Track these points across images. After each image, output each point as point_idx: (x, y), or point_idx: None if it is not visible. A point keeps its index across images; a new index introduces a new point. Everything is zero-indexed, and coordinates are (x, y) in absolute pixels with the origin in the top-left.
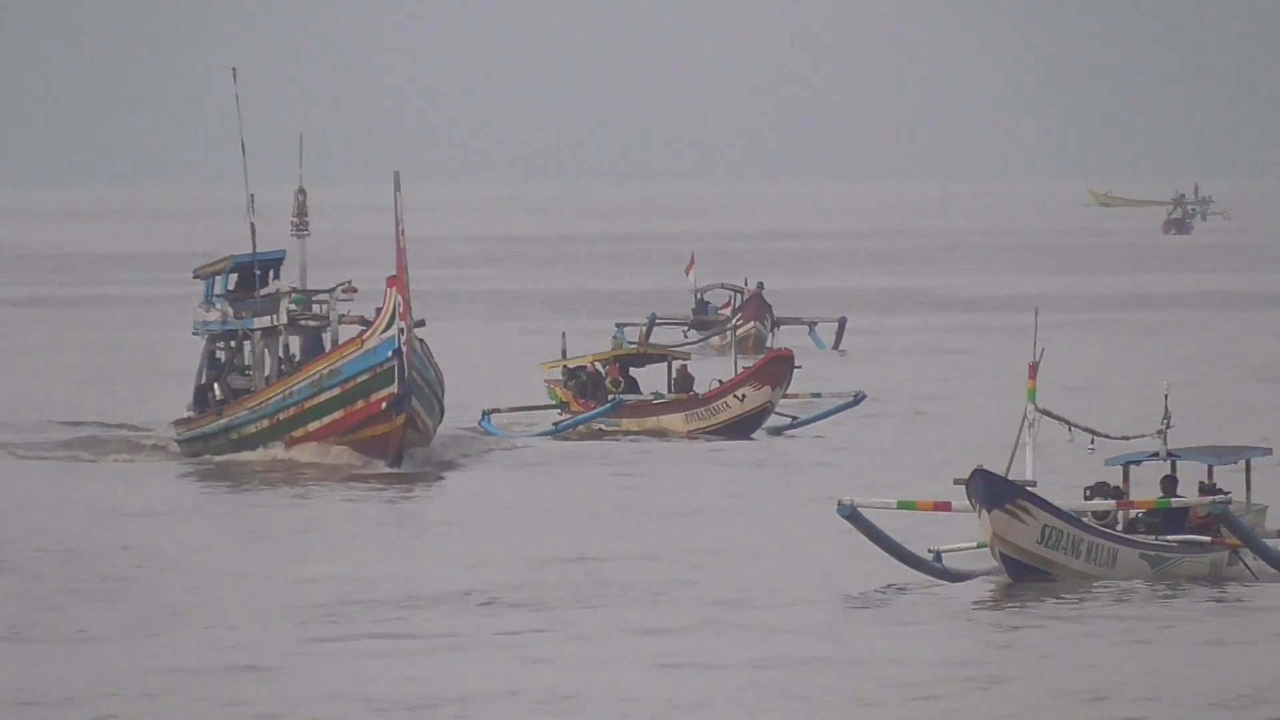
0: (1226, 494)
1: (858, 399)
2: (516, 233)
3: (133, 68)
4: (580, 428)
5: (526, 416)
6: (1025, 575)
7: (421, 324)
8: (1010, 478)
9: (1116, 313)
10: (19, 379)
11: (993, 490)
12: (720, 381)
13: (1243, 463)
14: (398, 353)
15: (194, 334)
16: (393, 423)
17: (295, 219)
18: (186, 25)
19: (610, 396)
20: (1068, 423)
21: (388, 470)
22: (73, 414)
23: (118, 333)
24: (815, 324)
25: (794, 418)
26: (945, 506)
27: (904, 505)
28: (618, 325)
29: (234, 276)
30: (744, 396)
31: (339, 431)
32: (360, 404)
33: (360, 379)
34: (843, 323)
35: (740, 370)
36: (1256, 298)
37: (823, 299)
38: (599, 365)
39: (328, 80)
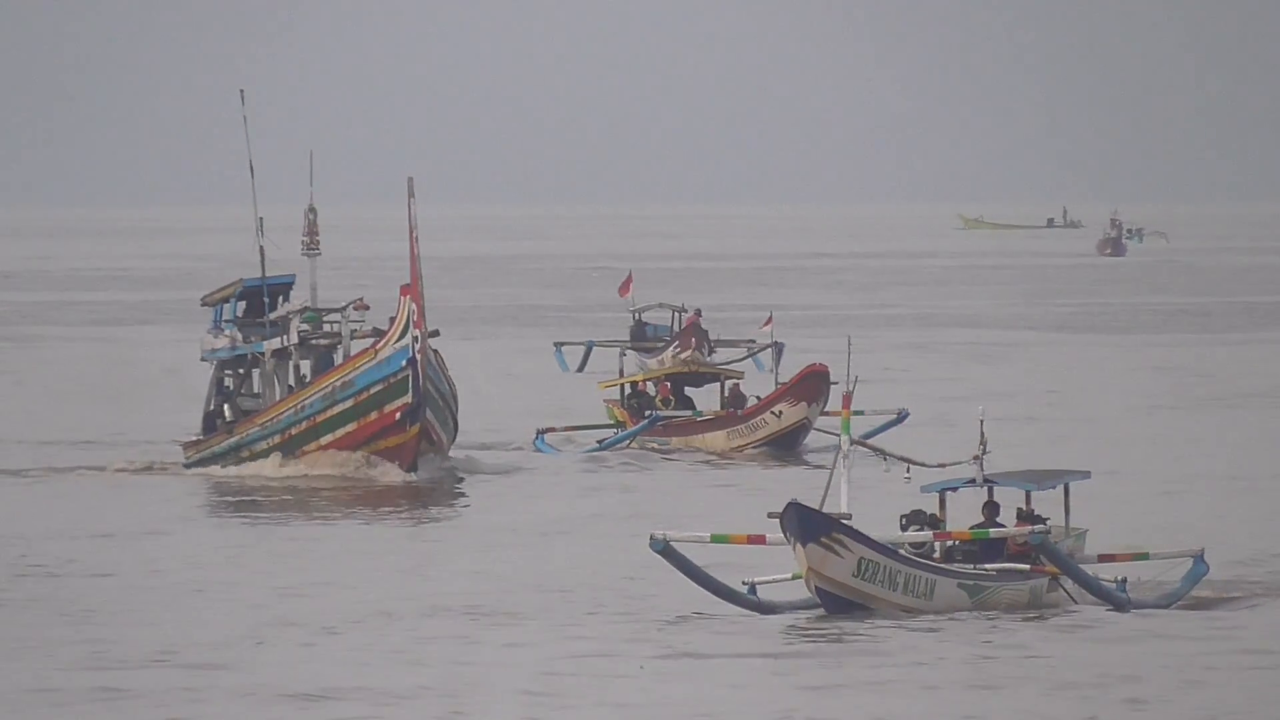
0: (1045, 521)
1: (901, 416)
2: (467, 253)
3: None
4: (632, 445)
5: (580, 435)
6: (842, 609)
7: (436, 334)
8: (825, 510)
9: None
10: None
11: (807, 524)
12: (759, 398)
13: (1061, 487)
14: (412, 362)
15: (202, 360)
16: (407, 433)
17: (305, 238)
18: (189, 45)
19: (647, 413)
20: (883, 452)
21: (403, 480)
22: (79, 434)
23: (125, 352)
24: (768, 345)
25: (845, 438)
26: (760, 540)
27: (718, 539)
28: (556, 344)
29: (242, 303)
30: (781, 413)
31: (352, 445)
32: (374, 415)
33: (374, 390)
34: (780, 349)
35: (778, 386)
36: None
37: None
38: (650, 384)
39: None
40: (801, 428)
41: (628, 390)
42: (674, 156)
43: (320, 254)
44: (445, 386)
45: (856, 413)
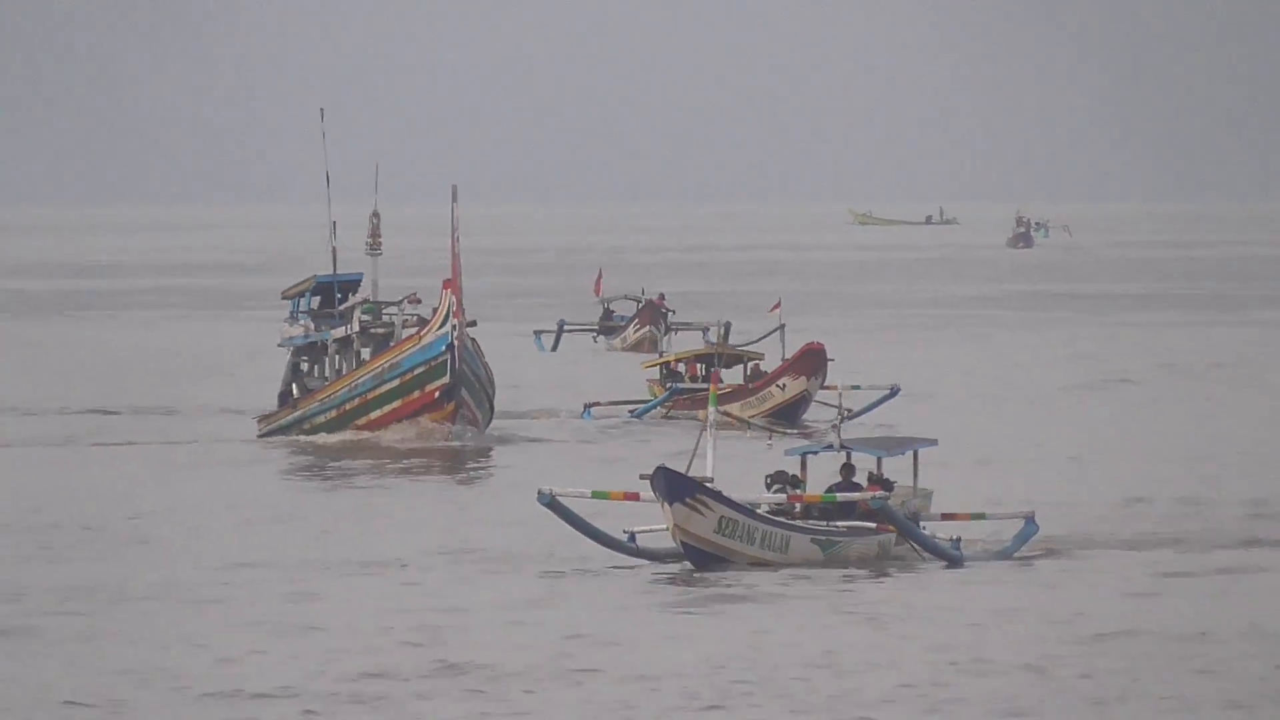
0: (892, 484)
1: (894, 391)
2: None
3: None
4: (667, 413)
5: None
6: (705, 562)
7: (473, 324)
8: (691, 474)
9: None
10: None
11: (673, 486)
12: (765, 373)
13: (910, 453)
14: (450, 347)
15: (279, 346)
16: (444, 410)
17: (369, 239)
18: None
19: (667, 386)
20: (746, 422)
21: (444, 444)
22: (168, 405)
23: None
24: (707, 329)
25: (849, 410)
26: (634, 497)
27: (598, 495)
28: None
29: (316, 297)
30: (784, 385)
31: (397, 418)
32: (416, 394)
33: (417, 371)
34: (726, 326)
35: (780, 363)
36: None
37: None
38: (680, 364)
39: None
40: (803, 399)
41: (665, 369)
42: (673, 155)
43: (382, 253)
44: (481, 370)
45: (854, 387)
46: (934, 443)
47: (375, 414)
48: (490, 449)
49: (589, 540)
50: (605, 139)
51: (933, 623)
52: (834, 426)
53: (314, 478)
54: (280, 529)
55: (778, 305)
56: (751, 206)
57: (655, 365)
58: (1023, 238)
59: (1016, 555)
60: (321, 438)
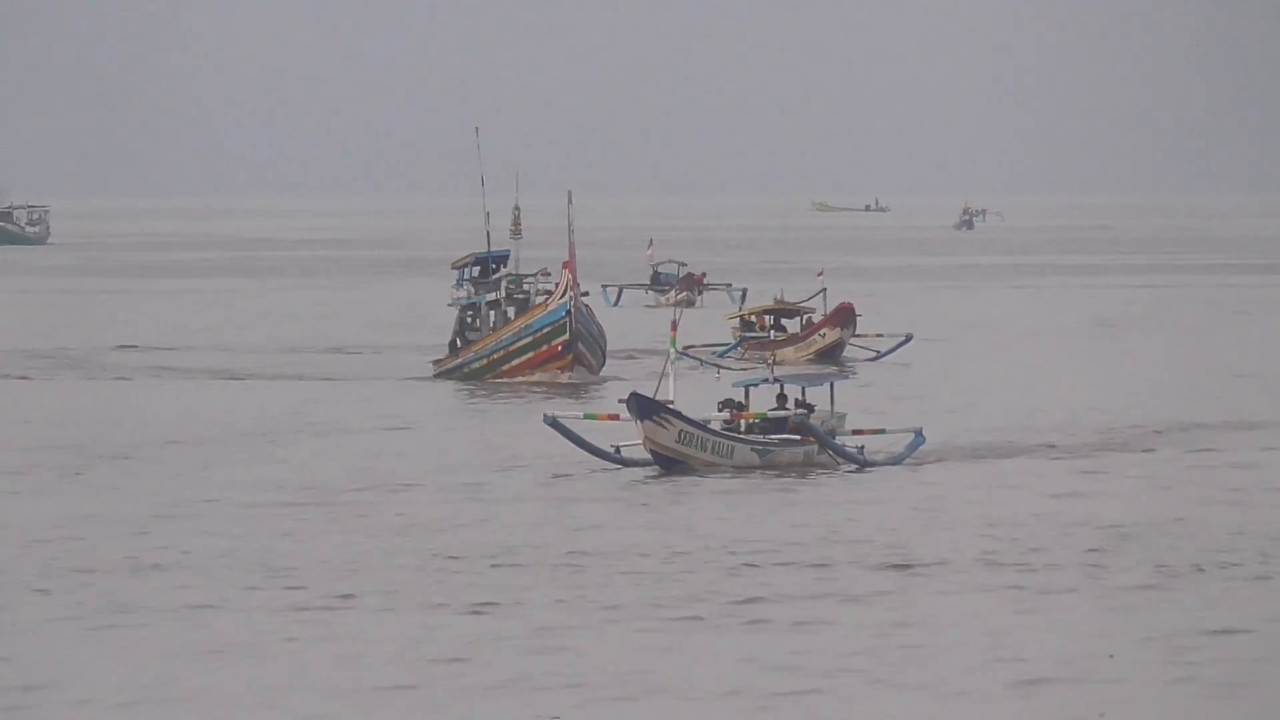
0: (813, 408)
1: (908, 338)
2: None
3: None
4: (744, 355)
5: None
6: (670, 466)
7: (586, 294)
8: (656, 398)
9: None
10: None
11: (643, 407)
12: (811, 323)
13: (828, 385)
14: (569, 313)
15: (449, 305)
16: (564, 359)
17: (512, 227)
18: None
19: (737, 334)
20: (700, 360)
21: (564, 381)
22: (365, 346)
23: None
24: (736, 289)
25: (877, 352)
26: (615, 417)
27: (588, 416)
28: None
29: (477, 268)
30: (824, 334)
31: (531, 366)
32: (544, 347)
33: (544, 330)
34: (744, 292)
35: (820, 318)
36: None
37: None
38: (752, 316)
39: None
40: (838, 345)
41: (743, 320)
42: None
43: (521, 237)
44: (594, 328)
45: (877, 335)
46: (847, 377)
47: (515, 361)
48: (600, 383)
49: (584, 452)
50: (650, 138)
51: (830, 505)
52: (769, 365)
53: (473, 405)
54: (452, 439)
55: (821, 273)
56: (743, 197)
57: (735, 318)
58: (966, 223)
59: (906, 460)
60: (477, 378)
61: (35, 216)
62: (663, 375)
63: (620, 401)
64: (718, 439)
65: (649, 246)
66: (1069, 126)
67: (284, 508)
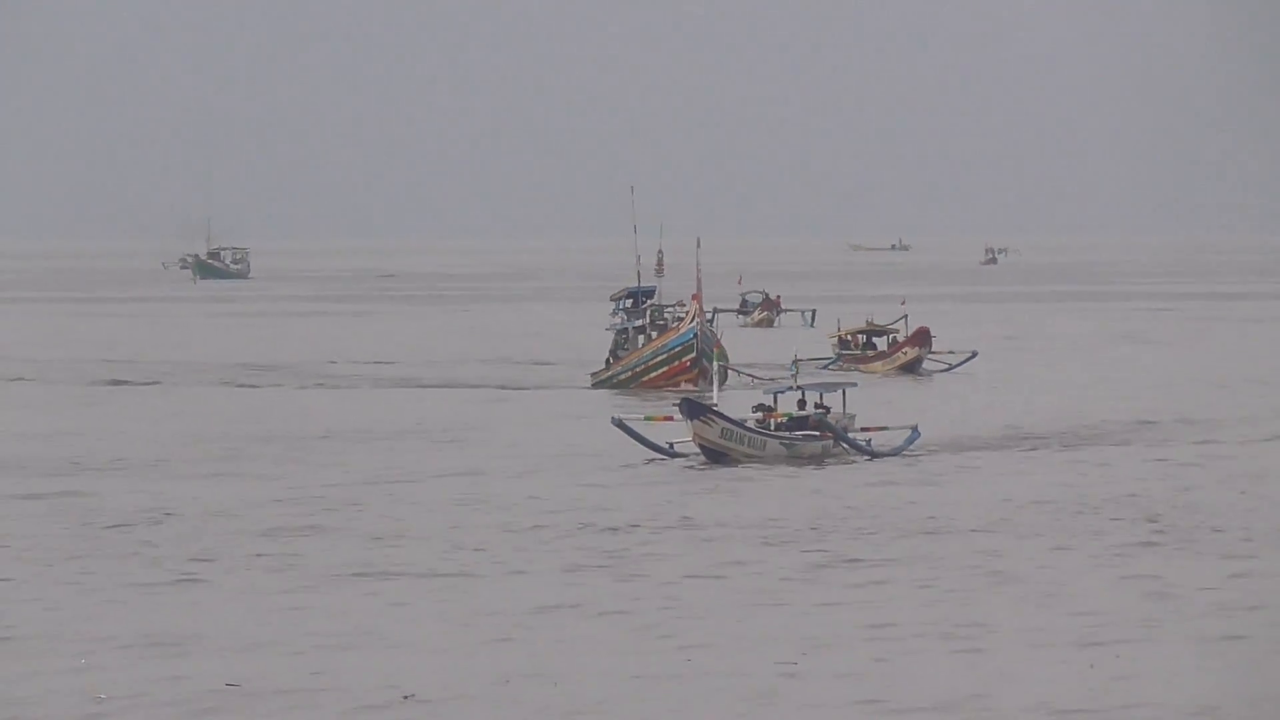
0: (829, 409)
1: (974, 354)
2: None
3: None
4: (843, 367)
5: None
6: (715, 458)
7: (712, 319)
8: (704, 401)
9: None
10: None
11: (692, 409)
12: (895, 342)
13: (840, 391)
14: (695, 335)
15: (606, 330)
16: (692, 373)
17: (657, 267)
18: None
19: (834, 352)
20: (738, 370)
21: (688, 392)
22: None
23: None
24: (807, 311)
25: (949, 365)
26: (669, 419)
27: (649, 418)
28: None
29: (629, 300)
30: (906, 352)
31: (666, 378)
32: (676, 363)
33: (676, 349)
34: (814, 313)
35: (903, 338)
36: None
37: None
38: (848, 335)
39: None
40: (918, 360)
41: (840, 338)
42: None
43: (664, 275)
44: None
45: (949, 352)
46: (855, 384)
47: (654, 374)
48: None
49: (645, 448)
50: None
51: (847, 484)
52: (793, 376)
53: (621, 406)
54: (605, 434)
55: (904, 301)
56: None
57: (835, 337)
58: (991, 259)
59: (905, 452)
60: (624, 387)
61: (238, 256)
62: (713, 385)
63: (673, 405)
64: (753, 435)
65: (739, 281)
66: (1072, 173)
67: (490, 480)
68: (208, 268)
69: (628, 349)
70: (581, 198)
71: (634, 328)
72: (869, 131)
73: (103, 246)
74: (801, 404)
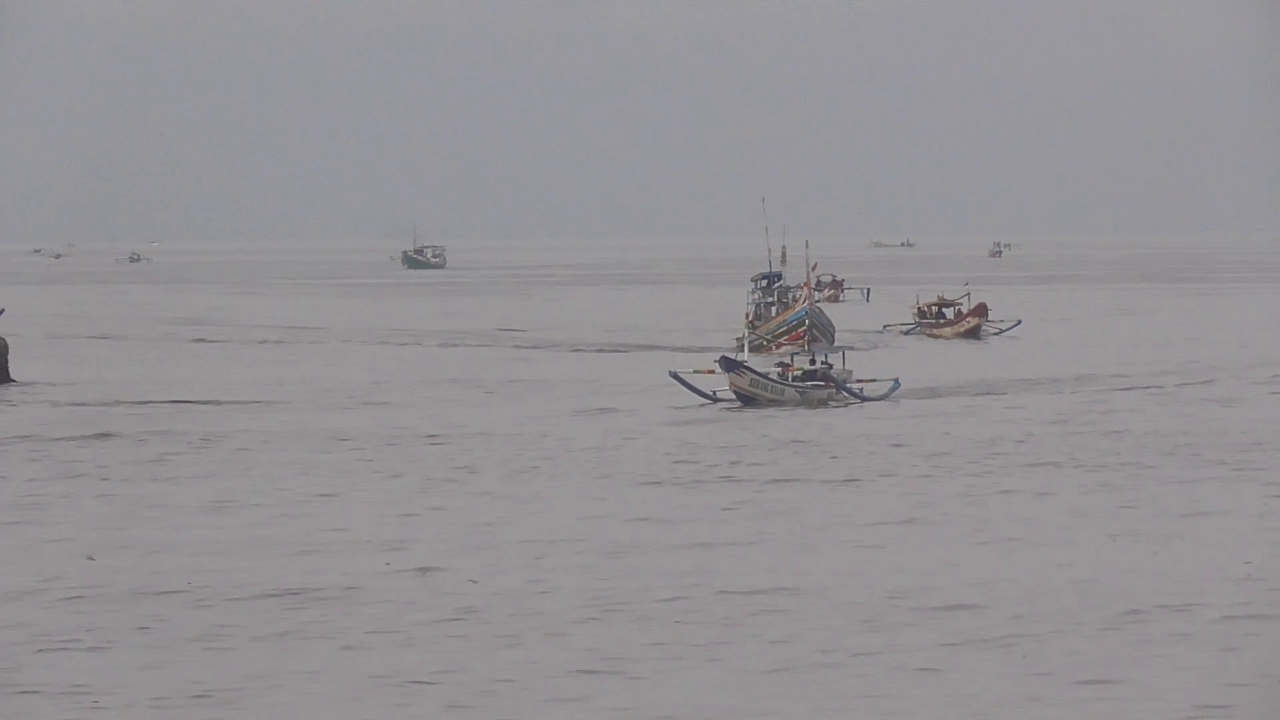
0: (831, 365)
1: (1019, 322)
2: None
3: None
4: (922, 333)
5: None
6: (746, 402)
7: (816, 300)
8: (737, 359)
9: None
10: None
11: (729, 365)
12: (961, 313)
13: (841, 351)
14: (808, 312)
15: (747, 306)
16: (806, 339)
17: (781, 260)
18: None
19: (914, 320)
20: (765, 340)
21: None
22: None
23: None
24: (865, 289)
25: (999, 330)
26: (712, 372)
27: (697, 371)
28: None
29: (764, 280)
30: (970, 321)
31: (790, 342)
32: (795, 332)
33: (794, 323)
34: (868, 290)
35: (967, 310)
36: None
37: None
38: (924, 307)
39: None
40: (979, 327)
41: (919, 309)
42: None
43: (786, 264)
44: (824, 320)
45: (1000, 320)
46: (852, 347)
47: (780, 341)
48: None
49: (694, 394)
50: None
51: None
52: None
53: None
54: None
55: (967, 283)
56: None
57: (914, 308)
58: (996, 253)
59: (890, 398)
60: (759, 349)
61: (437, 252)
62: (742, 349)
63: (714, 362)
64: (775, 384)
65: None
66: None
67: (662, 425)
68: (413, 260)
69: (762, 320)
70: (716, 203)
71: (766, 304)
72: (875, 136)
73: (326, 244)
74: (812, 361)
